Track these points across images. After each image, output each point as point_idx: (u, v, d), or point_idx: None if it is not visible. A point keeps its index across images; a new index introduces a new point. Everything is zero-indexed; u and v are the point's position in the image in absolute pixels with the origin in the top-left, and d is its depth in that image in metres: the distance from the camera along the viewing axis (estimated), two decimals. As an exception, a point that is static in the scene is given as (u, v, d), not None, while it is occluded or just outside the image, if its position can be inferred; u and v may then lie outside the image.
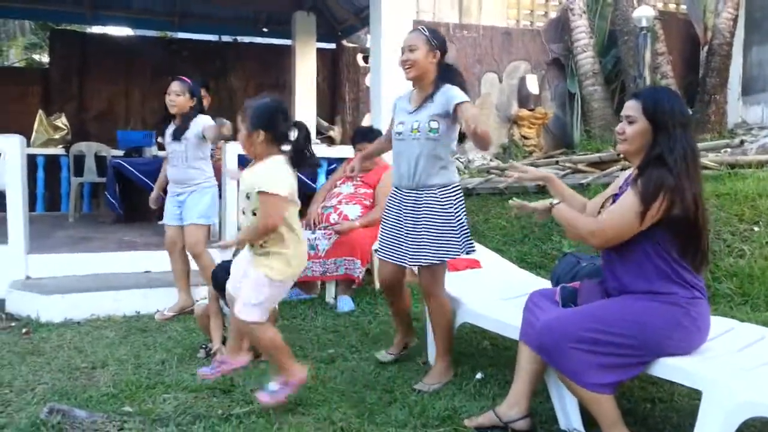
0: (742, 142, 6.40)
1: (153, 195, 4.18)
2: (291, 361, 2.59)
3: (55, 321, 3.79)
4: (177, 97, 3.78)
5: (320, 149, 6.21)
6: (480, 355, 3.18)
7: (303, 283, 4.18)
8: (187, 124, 3.82)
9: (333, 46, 8.83)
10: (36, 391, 2.76)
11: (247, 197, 2.54)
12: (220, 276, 3.05)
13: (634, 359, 2.06)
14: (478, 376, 2.86)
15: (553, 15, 11.47)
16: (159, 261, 4.59)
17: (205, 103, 5.55)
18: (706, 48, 9.89)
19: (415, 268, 2.93)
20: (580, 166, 6.47)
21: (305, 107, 7.92)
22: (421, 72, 2.80)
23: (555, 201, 2.39)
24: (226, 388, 2.79)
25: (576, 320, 2.11)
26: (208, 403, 2.64)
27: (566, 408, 2.32)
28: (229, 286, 2.77)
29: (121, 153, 6.51)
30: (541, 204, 2.39)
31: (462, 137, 2.90)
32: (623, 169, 6.31)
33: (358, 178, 4.32)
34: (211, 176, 3.99)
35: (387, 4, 5.20)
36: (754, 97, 10.28)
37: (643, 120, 2.11)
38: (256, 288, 2.50)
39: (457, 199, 2.82)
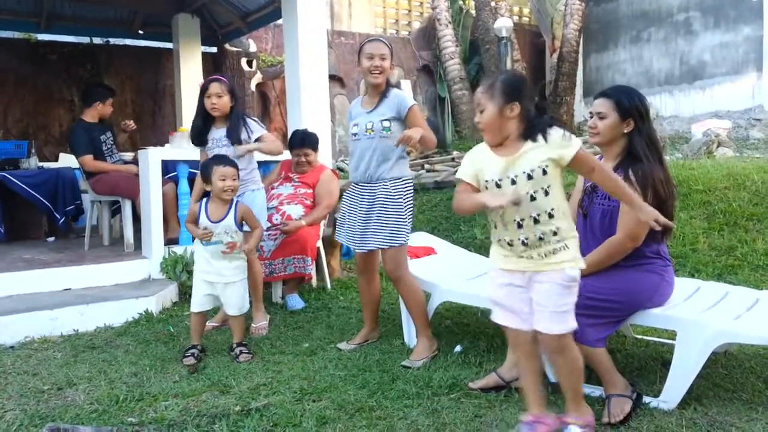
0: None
1: None
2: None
3: (-19, 348, 3.43)
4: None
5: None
6: (449, 333, 3.46)
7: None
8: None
9: (214, 49, 8.65)
10: (6, 419, 2.54)
11: (530, 177, 2.02)
12: None
13: (622, 316, 2.46)
14: (458, 349, 3.14)
15: (416, 24, 12.15)
16: (76, 277, 4.32)
17: (108, 111, 5.30)
18: (555, 55, 11.13)
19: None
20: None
21: (193, 113, 7.66)
22: (385, 78, 3.15)
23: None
24: (221, 389, 2.78)
25: None
26: (213, 404, 2.62)
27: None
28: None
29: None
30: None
31: None
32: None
33: (296, 179, 4.41)
34: None
35: (302, 13, 5.29)
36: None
37: (614, 114, 2.48)
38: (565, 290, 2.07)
39: (407, 191, 3.14)
